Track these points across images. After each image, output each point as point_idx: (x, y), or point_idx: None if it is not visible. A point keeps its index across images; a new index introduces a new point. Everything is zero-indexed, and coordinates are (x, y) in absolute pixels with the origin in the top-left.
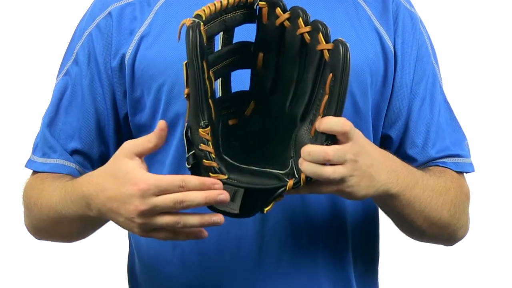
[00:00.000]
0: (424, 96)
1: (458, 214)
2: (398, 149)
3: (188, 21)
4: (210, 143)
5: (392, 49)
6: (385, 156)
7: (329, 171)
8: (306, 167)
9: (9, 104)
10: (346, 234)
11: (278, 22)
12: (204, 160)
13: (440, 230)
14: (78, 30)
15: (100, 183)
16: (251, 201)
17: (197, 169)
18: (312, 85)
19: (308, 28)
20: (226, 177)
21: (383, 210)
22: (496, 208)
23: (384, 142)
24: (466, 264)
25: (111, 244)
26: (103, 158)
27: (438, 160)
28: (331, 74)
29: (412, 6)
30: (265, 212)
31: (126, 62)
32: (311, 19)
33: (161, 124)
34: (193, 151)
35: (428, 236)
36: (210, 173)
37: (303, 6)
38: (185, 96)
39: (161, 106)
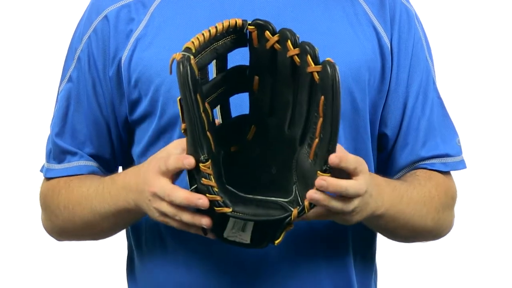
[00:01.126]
0: (418, 93)
1: (443, 219)
2: (392, 148)
3: (178, 55)
4: (211, 177)
5: (389, 45)
6: (373, 179)
7: (343, 205)
8: (320, 199)
9: (11, 108)
10: (346, 230)
11: (268, 45)
12: (207, 195)
13: (424, 235)
14: (76, 35)
15: (136, 170)
16: (261, 232)
17: None
18: (306, 108)
19: (296, 51)
20: (230, 210)
21: (366, 225)
22: (490, 205)
23: (381, 140)
24: (463, 258)
25: (109, 244)
26: (114, 159)
27: (426, 161)
28: (322, 97)
29: (408, 2)
30: (276, 244)
31: (122, 65)
32: (310, 20)
33: None
34: (195, 185)
35: (412, 241)
36: (214, 207)
37: (300, 3)
38: (182, 131)
39: (159, 107)
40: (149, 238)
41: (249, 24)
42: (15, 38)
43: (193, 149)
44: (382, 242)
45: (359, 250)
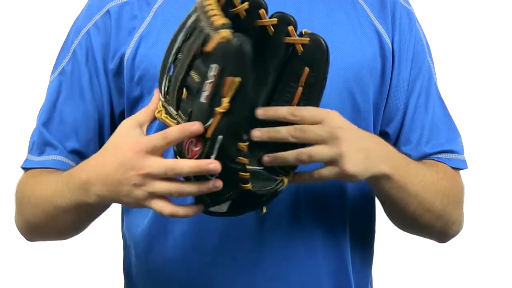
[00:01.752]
0: (420, 93)
1: (451, 206)
2: (394, 146)
3: (227, 34)
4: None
5: (390, 46)
6: (373, 138)
7: (297, 133)
8: (289, 156)
9: (4, 104)
10: (344, 220)
11: (234, 11)
12: (240, 173)
13: (432, 219)
14: (74, 29)
15: (99, 163)
16: (241, 202)
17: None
18: (274, 76)
19: (274, 21)
20: (251, 186)
21: (377, 195)
22: (490, 206)
23: (382, 138)
24: (461, 262)
25: (106, 244)
26: None
27: (432, 156)
28: (307, 68)
29: (408, 3)
30: (264, 212)
31: (125, 62)
32: (312, 21)
33: (156, 91)
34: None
35: (420, 226)
36: (242, 185)
37: (302, 6)
38: (221, 111)
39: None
40: (146, 240)
41: None
42: (12, 37)
43: (236, 129)
44: (379, 250)
45: (357, 240)
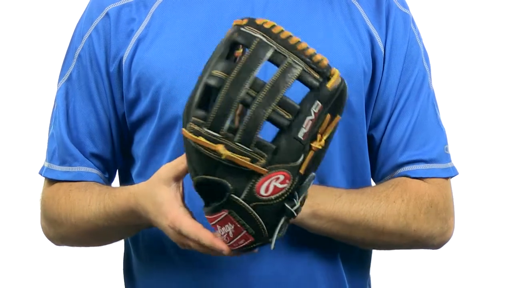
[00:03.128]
0: (408, 97)
1: (416, 224)
2: (377, 150)
3: (339, 73)
4: None
5: (382, 50)
6: None
7: None
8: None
9: (11, 109)
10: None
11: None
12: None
13: (392, 240)
14: (76, 34)
15: (144, 207)
16: None
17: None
18: None
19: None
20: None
21: (315, 233)
22: (489, 209)
23: (369, 142)
24: (458, 263)
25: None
26: (114, 158)
27: (407, 166)
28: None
29: (405, 6)
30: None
31: (123, 64)
32: (307, 23)
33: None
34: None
35: (383, 247)
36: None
37: (299, 7)
38: (318, 148)
39: (159, 108)
40: (146, 238)
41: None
42: (15, 38)
43: (318, 165)
44: (377, 258)
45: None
